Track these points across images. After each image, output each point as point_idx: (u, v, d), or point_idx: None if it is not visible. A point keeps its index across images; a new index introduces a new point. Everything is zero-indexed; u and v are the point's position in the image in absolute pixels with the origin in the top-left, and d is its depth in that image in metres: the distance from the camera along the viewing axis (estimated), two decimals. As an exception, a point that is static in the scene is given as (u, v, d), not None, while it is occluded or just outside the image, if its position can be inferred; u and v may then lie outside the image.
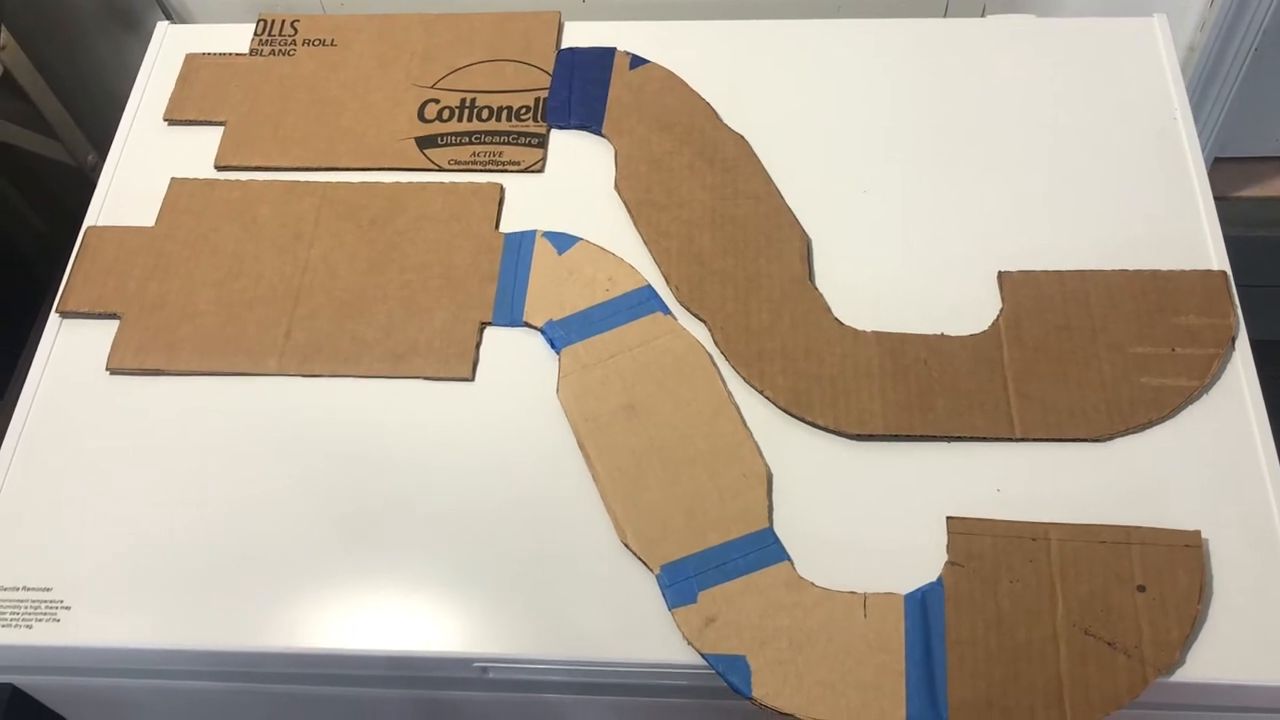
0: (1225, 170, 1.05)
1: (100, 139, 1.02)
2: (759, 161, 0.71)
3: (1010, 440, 0.60)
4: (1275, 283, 1.06)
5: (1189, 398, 0.61)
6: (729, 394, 0.62)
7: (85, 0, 0.98)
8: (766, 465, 0.60)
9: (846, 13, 0.81)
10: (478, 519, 0.60)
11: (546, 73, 0.76)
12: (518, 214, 0.71)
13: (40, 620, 0.58)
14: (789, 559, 0.57)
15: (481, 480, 0.61)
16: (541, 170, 0.72)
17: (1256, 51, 0.92)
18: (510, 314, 0.66)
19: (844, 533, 0.58)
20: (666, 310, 0.65)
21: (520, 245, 0.68)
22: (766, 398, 0.62)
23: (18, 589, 0.59)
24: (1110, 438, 0.60)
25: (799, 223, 0.68)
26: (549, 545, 0.59)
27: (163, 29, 0.82)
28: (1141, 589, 0.55)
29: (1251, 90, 0.95)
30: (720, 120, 0.73)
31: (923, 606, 0.55)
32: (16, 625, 0.58)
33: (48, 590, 0.59)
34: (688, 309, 0.66)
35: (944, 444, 0.61)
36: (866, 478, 0.60)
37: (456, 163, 0.73)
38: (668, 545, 0.57)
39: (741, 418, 0.62)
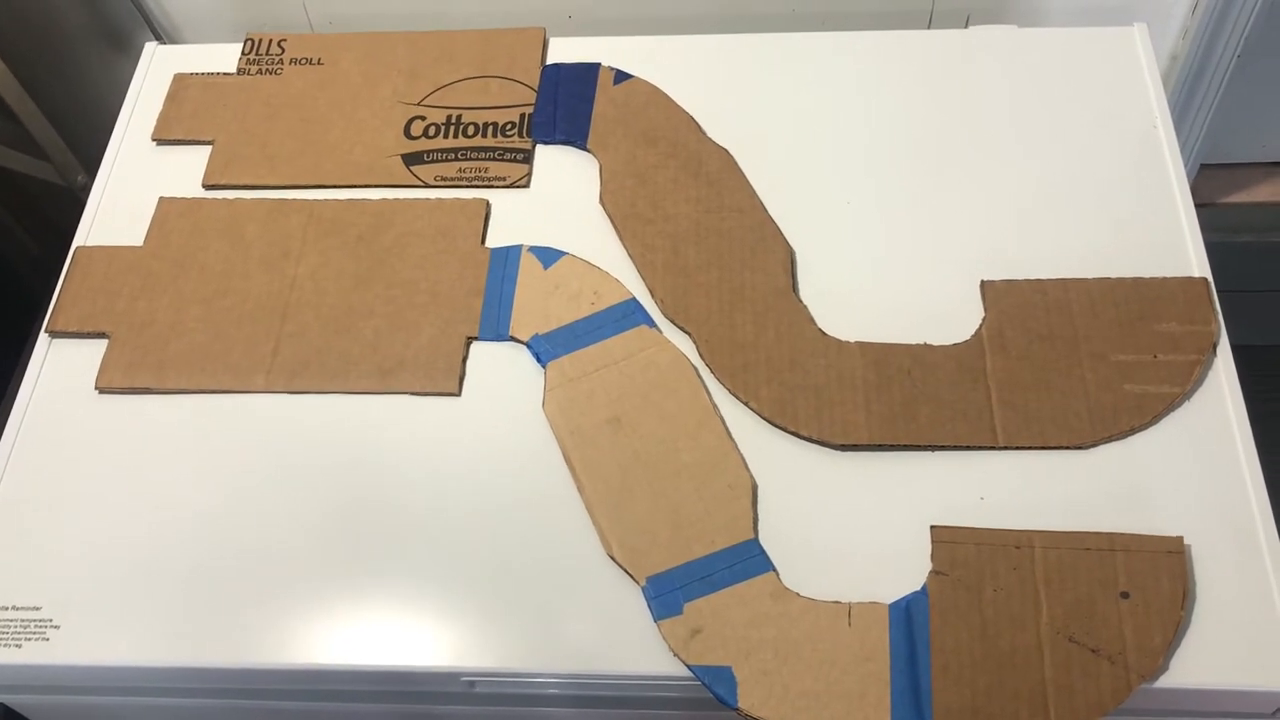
0: (1211, 177, 1.05)
1: (89, 159, 1.03)
2: (743, 175, 0.71)
3: (994, 449, 0.61)
4: (1260, 288, 1.07)
5: (1171, 404, 0.61)
6: (714, 406, 0.63)
7: (74, 21, 0.99)
8: (751, 476, 0.60)
9: (831, 26, 0.81)
10: (464, 533, 0.60)
11: (532, 89, 0.77)
12: (504, 229, 0.71)
13: (30, 639, 0.59)
14: (774, 570, 0.57)
15: (468, 494, 0.61)
16: (527, 185, 0.73)
17: (1240, 59, 0.92)
18: (496, 328, 0.66)
19: (829, 543, 0.58)
20: (651, 323, 0.66)
21: (506, 260, 0.69)
22: (751, 409, 0.63)
23: (7, 608, 0.60)
24: (1093, 445, 0.60)
25: (783, 235, 0.69)
26: (535, 558, 0.59)
27: (151, 49, 0.82)
28: (1125, 595, 0.55)
29: (1236, 97, 0.96)
30: (704, 134, 0.74)
31: (907, 615, 0.56)
32: (6, 645, 0.59)
33: (37, 609, 0.59)
34: (673, 322, 0.66)
35: (928, 453, 0.61)
36: (851, 488, 0.60)
37: (443, 179, 0.73)
38: (653, 557, 0.58)
39: (726, 429, 0.62)
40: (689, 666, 0.55)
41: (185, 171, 0.75)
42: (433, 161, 0.74)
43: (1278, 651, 0.54)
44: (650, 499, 0.59)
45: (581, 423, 0.62)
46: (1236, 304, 0.67)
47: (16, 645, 0.59)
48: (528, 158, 0.74)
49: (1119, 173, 0.70)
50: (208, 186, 0.75)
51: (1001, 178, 0.71)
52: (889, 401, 0.62)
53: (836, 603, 0.56)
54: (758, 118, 0.75)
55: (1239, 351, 0.63)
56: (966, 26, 0.86)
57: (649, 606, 0.57)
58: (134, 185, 0.75)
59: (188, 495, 0.62)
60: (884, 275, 0.67)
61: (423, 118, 0.76)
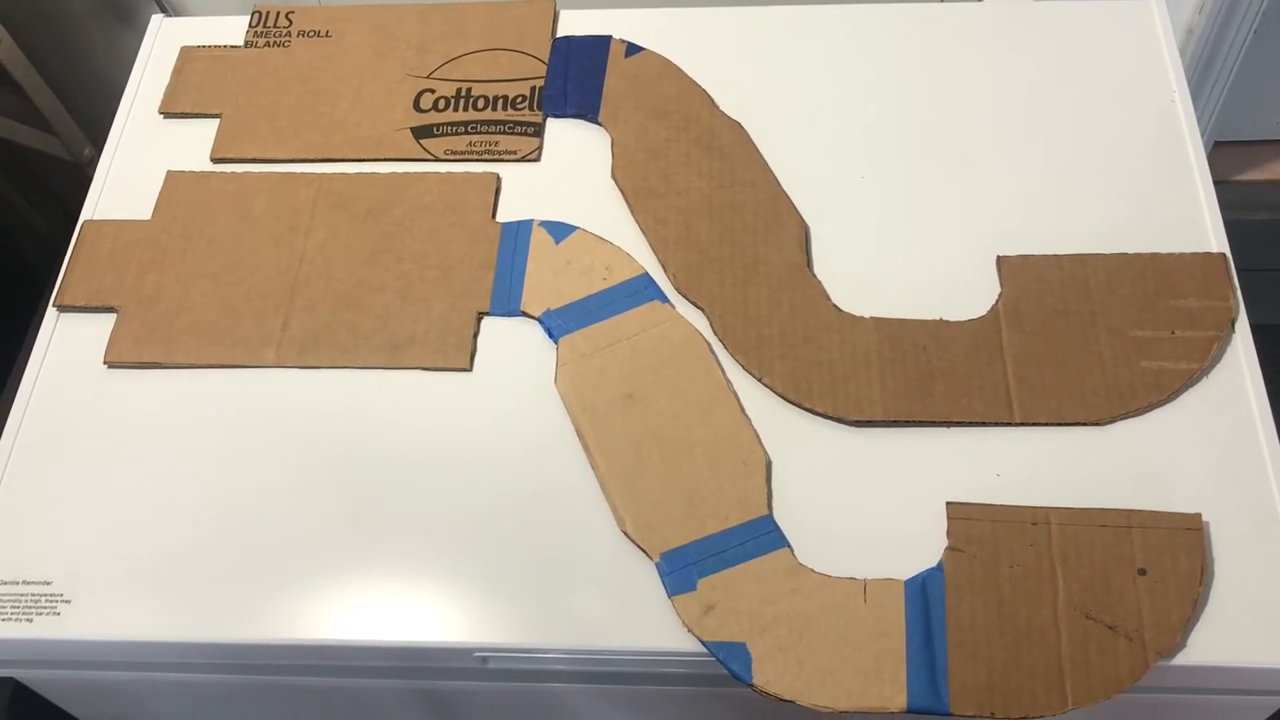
0: (1225, 154, 1.05)
1: (96, 133, 1.02)
2: (756, 148, 0.71)
3: (1010, 425, 0.60)
4: (1276, 266, 1.06)
5: (1189, 381, 0.60)
6: (727, 382, 0.62)
7: (80, -6, 0.98)
8: (765, 452, 0.60)
9: (843, -1, 0.81)
10: (476, 509, 0.60)
11: (542, 61, 0.76)
12: (514, 203, 0.70)
13: (40, 614, 0.59)
14: (788, 546, 0.57)
15: (480, 470, 0.61)
16: (538, 159, 0.72)
17: (1256, 34, 0.91)
18: (508, 304, 0.66)
19: (843, 519, 0.58)
20: (664, 298, 0.65)
21: (517, 235, 0.68)
22: (765, 385, 0.62)
23: (17, 583, 0.59)
24: (1110, 421, 0.60)
25: (796, 209, 0.68)
26: (548, 534, 0.59)
27: (157, 22, 0.81)
28: (1142, 572, 0.55)
29: (1251, 73, 0.95)
30: (717, 107, 0.73)
31: (923, 592, 0.55)
32: (17, 619, 0.58)
33: (47, 584, 0.59)
34: (685, 297, 0.65)
35: (943, 429, 0.60)
36: (866, 464, 0.60)
37: (452, 153, 0.73)
38: (667, 533, 0.57)
39: (740, 405, 0.61)
40: (703, 643, 0.55)
41: (192, 145, 0.75)
42: (442, 135, 0.73)
43: (1296, 629, 0.54)
44: (664, 475, 0.59)
45: (594, 399, 0.62)
46: (1251, 283, 0.66)
47: (28, 620, 0.58)
48: (538, 131, 0.73)
49: (1136, 148, 0.69)
50: (215, 160, 0.74)
51: (1017, 152, 0.70)
52: (904, 377, 0.61)
53: (852, 579, 0.56)
54: (771, 91, 0.74)
55: (1255, 331, 0.62)
56: (981, 0, 0.85)
57: (663, 582, 0.56)
58: (141, 159, 0.75)
59: (197, 470, 0.62)
60: (899, 250, 0.67)
61: (432, 90, 0.75)
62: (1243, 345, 0.62)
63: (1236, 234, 0.66)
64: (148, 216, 0.71)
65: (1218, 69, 0.94)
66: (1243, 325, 0.62)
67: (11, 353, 0.83)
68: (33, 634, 0.58)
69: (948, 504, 0.57)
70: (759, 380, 0.62)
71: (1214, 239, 0.65)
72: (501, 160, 0.72)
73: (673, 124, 0.72)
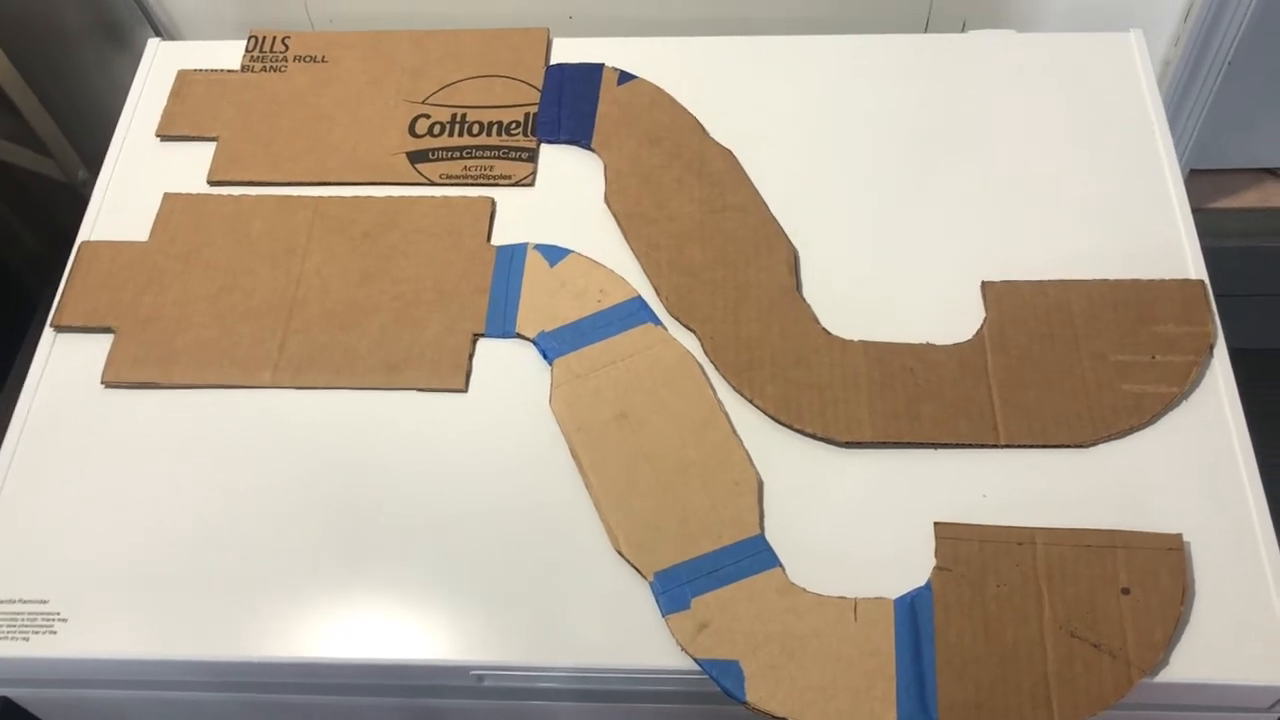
0: (1201, 182, 1.07)
1: (92, 155, 1.03)
2: (746, 175, 0.72)
3: (995, 447, 0.61)
4: (1251, 292, 1.08)
5: (1169, 404, 0.62)
6: (719, 403, 0.63)
7: (76, 17, 0.99)
8: (757, 473, 0.61)
9: (830, 29, 0.82)
10: (472, 529, 0.60)
11: (536, 88, 0.77)
12: (509, 227, 0.71)
13: (37, 632, 0.59)
14: (780, 565, 0.58)
15: (475, 490, 0.62)
16: (532, 184, 0.73)
17: (1230, 65, 0.93)
18: (503, 325, 0.67)
19: (834, 539, 0.59)
20: (657, 321, 0.66)
21: (512, 258, 0.69)
22: (756, 406, 0.63)
23: (14, 601, 0.60)
24: (1093, 444, 0.61)
25: (785, 235, 0.69)
26: (543, 554, 0.59)
27: (154, 46, 0.82)
28: (1126, 591, 0.56)
29: (1225, 103, 0.97)
30: (707, 134, 0.74)
31: (912, 611, 0.56)
32: (13, 638, 0.59)
33: (44, 603, 0.60)
34: (678, 319, 0.67)
35: (931, 451, 0.62)
36: (855, 485, 0.61)
37: (448, 177, 0.74)
38: (660, 552, 0.58)
39: (732, 426, 0.62)
40: (697, 661, 0.56)
41: (189, 168, 0.75)
42: (438, 159, 0.74)
43: (1274, 646, 0.55)
44: (657, 495, 0.60)
45: (588, 419, 0.63)
46: (1228, 308, 0.67)
47: (24, 638, 0.59)
48: (532, 156, 0.74)
49: (1117, 176, 0.71)
50: (212, 183, 0.75)
51: (1001, 180, 0.72)
52: (892, 399, 0.63)
53: (842, 598, 0.57)
54: (760, 119, 0.75)
55: (1231, 355, 0.64)
56: (964, 31, 0.87)
57: (656, 601, 0.57)
58: (138, 181, 0.75)
59: (194, 489, 0.63)
60: (886, 276, 0.68)
61: (427, 116, 0.76)
62: (1221, 369, 0.63)
63: (1213, 260, 0.68)
64: (145, 238, 0.72)
65: (1193, 100, 0.96)
66: (1221, 350, 0.64)
67: (3, 374, 0.83)
68: (29, 653, 0.58)
69: (935, 524, 0.58)
70: (750, 402, 0.63)
71: (1192, 266, 0.67)
72: (496, 185, 0.73)
73: (664, 150, 0.73)
